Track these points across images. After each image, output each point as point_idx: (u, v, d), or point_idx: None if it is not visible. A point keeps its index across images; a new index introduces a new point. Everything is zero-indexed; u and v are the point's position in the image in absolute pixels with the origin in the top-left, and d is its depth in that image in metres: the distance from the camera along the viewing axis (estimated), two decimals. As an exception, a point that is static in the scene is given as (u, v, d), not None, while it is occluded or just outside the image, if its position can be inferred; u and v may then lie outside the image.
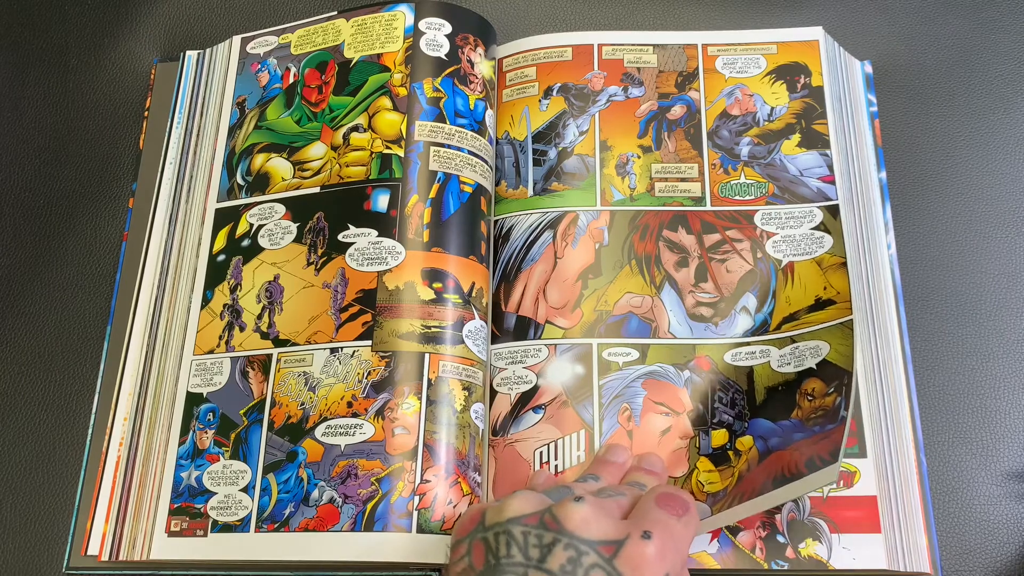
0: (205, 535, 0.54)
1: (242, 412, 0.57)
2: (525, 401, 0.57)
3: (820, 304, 0.57)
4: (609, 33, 0.66)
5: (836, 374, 0.53)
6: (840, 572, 0.51)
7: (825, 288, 0.57)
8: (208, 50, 0.69)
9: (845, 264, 0.57)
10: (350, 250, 0.58)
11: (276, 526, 0.53)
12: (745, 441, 0.54)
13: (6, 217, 0.66)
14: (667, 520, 0.45)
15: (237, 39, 0.68)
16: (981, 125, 0.65)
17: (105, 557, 0.55)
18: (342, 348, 0.56)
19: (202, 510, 0.55)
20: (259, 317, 0.59)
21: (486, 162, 0.61)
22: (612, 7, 0.70)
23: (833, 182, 0.60)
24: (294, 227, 0.60)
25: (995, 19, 0.68)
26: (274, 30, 0.67)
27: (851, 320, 0.54)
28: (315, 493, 0.53)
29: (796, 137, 0.62)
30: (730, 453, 0.54)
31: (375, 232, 0.58)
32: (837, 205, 0.59)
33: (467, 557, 0.45)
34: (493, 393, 0.58)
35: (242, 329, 0.59)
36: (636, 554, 0.43)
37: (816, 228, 0.59)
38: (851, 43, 0.67)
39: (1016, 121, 0.65)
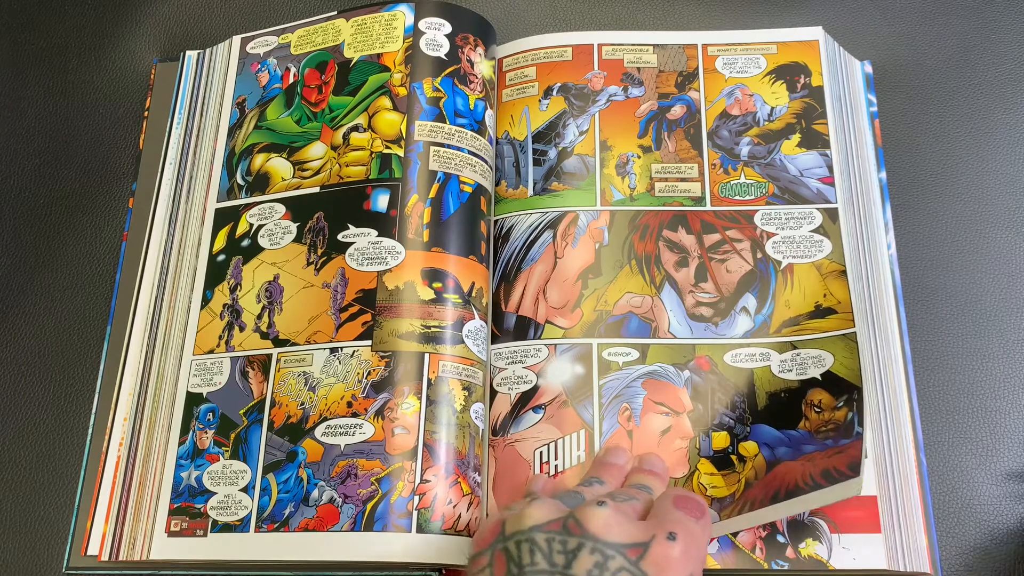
0: (205, 535, 0.54)
1: (242, 412, 0.57)
2: (525, 401, 0.57)
3: (820, 312, 0.57)
4: (609, 33, 0.66)
5: (844, 388, 0.53)
6: (840, 572, 0.51)
7: (825, 295, 0.57)
8: (208, 50, 0.69)
9: (845, 272, 0.57)
10: (350, 250, 0.58)
11: (276, 526, 0.53)
12: (749, 447, 0.54)
13: (6, 217, 0.66)
14: (687, 521, 0.45)
15: (237, 39, 0.68)
16: (981, 125, 0.65)
17: (105, 557, 0.55)
18: (342, 348, 0.56)
19: (202, 510, 0.55)
20: (259, 317, 0.59)
21: (486, 162, 0.61)
22: (612, 7, 0.70)
23: (833, 184, 0.60)
24: (294, 227, 0.60)
25: (995, 19, 0.68)
26: (274, 30, 0.67)
27: (854, 333, 0.54)
28: (315, 493, 0.53)
29: (796, 137, 0.62)
30: (733, 458, 0.54)
31: (375, 232, 0.58)
32: (836, 209, 0.59)
33: (488, 568, 0.45)
34: (493, 393, 0.58)
35: (242, 329, 0.59)
36: (662, 555, 0.43)
37: (815, 231, 0.59)
38: (851, 43, 0.67)
39: (1016, 121, 0.65)
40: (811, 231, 0.59)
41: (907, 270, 0.61)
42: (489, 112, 0.63)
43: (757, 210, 0.60)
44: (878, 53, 0.67)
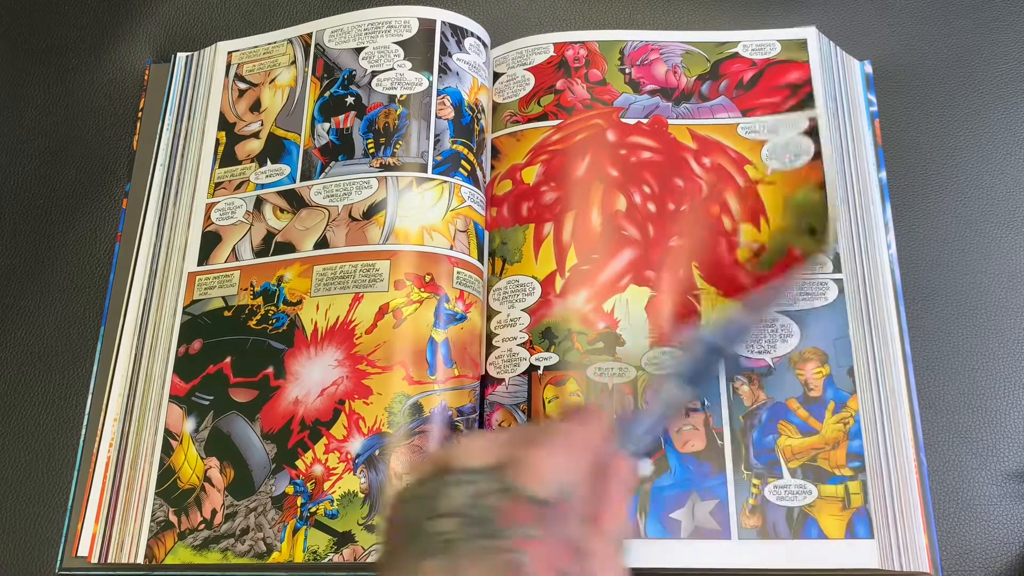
0: (193, 539, 0.54)
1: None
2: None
3: None
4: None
5: None
6: (832, 572, 0.51)
7: None
8: (196, 53, 0.68)
9: None
10: None
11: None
12: None
13: (5, 217, 0.66)
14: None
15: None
16: (981, 125, 0.65)
17: (95, 559, 0.55)
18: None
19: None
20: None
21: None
22: (612, 7, 0.70)
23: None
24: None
25: (995, 19, 0.68)
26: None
27: None
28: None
29: None
30: None
31: None
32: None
33: None
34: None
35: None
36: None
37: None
38: (851, 43, 0.66)
39: (1016, 121, 0.65)
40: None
41: (907, 270, 0.60)
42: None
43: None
44: (878, 53, 0.67)
